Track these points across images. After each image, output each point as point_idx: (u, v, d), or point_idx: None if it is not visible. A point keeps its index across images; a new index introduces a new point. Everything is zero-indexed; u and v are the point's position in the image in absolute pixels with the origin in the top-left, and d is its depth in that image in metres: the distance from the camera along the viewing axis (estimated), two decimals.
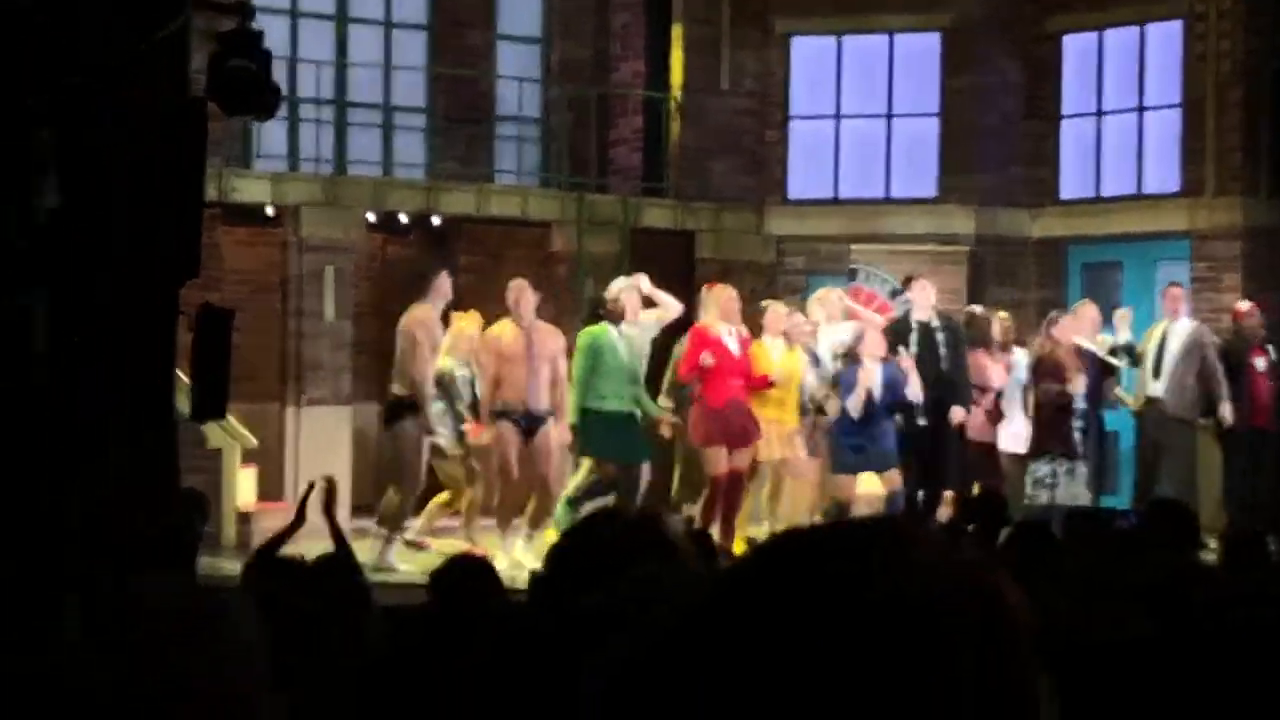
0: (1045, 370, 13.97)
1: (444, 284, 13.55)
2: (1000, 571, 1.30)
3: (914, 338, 14.31)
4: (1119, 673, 2.90)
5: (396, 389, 13.39)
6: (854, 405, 13.68)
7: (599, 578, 2.72)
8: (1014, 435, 14.42)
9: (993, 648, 1.24)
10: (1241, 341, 14.92)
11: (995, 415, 14.54)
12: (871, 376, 13.79)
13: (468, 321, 13.83)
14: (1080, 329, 14.32)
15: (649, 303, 14.36)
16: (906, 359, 13.96)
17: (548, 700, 2.64)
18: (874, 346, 13.91)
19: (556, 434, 13.73)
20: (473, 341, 13.67)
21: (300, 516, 8.32)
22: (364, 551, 7.94)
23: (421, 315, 13.30)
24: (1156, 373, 14.83)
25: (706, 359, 13.52)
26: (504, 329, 13.59)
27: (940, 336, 14.40)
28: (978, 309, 15.40)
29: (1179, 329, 14.89)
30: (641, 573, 2.66)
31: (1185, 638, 3.06)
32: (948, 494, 14.05)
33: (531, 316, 13.64)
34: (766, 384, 13.80)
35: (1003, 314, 15.40)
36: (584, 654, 2.49)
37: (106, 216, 8.24)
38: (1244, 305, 15.32)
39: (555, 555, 2.99)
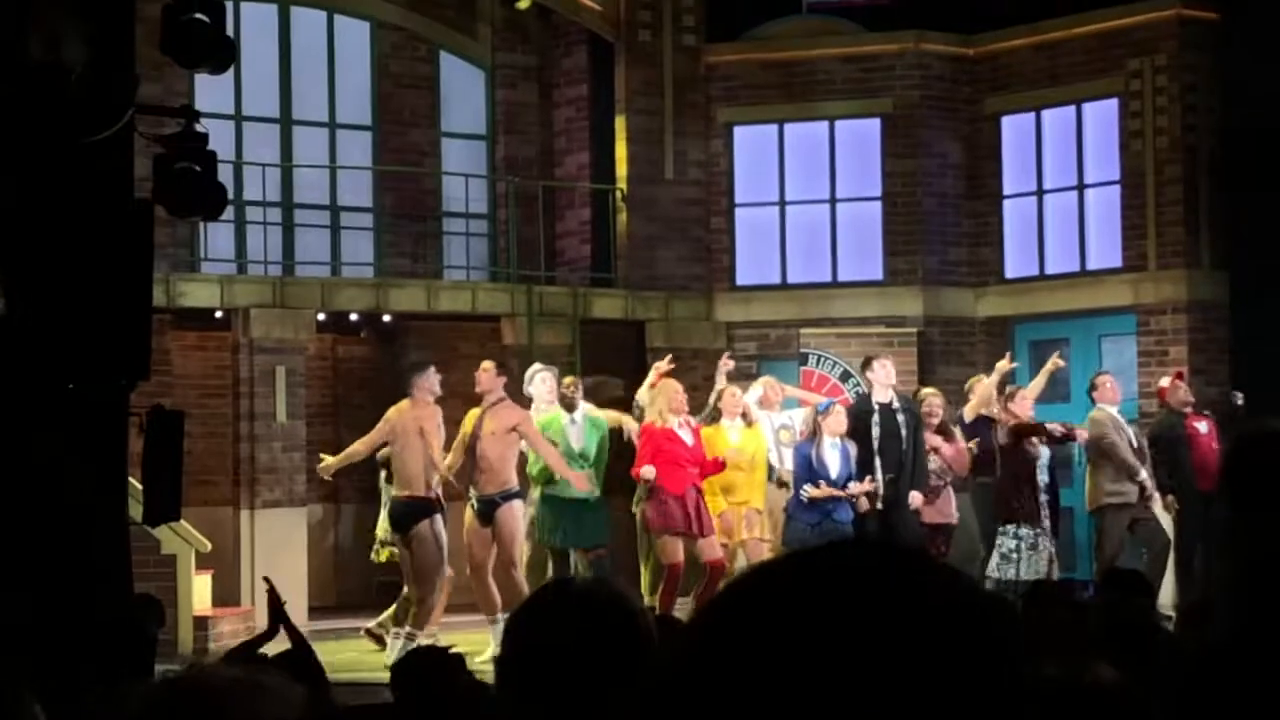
0: (1009, 443, 13.99)
1: (432, 380, 13.48)
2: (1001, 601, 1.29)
3: (876, 419, 14.11)
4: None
5: (403, 489, 13.24)
6: (808, 486, 13.65)
7: (558, 653, 2.72)
8: (945, 507, 14.37)
9: (992, 680, 1.23)
10: (1174, 415, 14.87)
11: (934, 496, 14.33)
12: (830, 454, 13.77)
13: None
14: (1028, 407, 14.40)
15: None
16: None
17: None
18: (836, 424, 13.86)
19: (517, 514, 13.47)
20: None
21: (274, 622, 8.07)
22: (326, 653, 7.86)
23: (421, 412, 13.21)
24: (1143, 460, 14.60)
25: (648, 473, 13.47)
26: (472, 416, 13.55)
27: (901, 418, 14.19)
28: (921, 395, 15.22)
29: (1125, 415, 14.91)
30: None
31: (1147, 684, 3.08)
32: None
33: (495, 396, 13.49)
34: (719, 467, 13.77)
35: (928, 390, 15.09)
36: None
37: (53, 322, 8.22)
38: (1165, 381, 15.28)
39: (510, 635, 2.96)
